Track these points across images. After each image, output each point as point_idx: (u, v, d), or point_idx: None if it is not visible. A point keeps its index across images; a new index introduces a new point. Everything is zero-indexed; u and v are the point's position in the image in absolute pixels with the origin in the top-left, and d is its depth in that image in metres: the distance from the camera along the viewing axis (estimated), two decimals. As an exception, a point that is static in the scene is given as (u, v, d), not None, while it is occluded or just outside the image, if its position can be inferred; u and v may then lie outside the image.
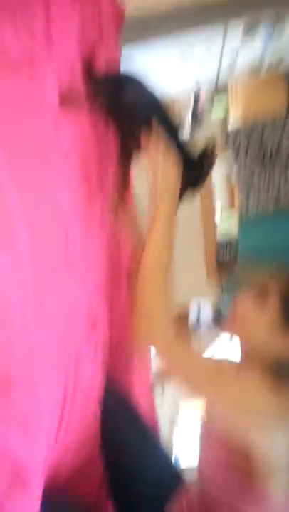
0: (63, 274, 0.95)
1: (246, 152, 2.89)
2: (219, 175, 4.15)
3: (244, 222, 2.85)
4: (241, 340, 1.00)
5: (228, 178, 4.62)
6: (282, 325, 0.91)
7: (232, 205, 4.52)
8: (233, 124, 4.23)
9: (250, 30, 2.87)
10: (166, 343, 0.91)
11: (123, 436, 1.15)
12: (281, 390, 0.81)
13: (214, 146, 1.09)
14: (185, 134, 4.28)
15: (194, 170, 1.06)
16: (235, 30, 2.85)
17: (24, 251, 0.78)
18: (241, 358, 1.00)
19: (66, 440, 0.90)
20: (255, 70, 3.38)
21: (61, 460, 0.89)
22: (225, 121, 4.45)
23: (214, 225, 3.04)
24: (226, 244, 4.83)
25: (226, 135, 2.95)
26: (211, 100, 4.41)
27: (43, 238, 0.86)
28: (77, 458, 0.97)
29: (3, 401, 0.65)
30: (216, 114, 4.33)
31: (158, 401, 2.22)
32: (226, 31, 2.83)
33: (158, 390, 3.31)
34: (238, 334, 1.00)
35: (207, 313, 5.34)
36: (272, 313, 0.93)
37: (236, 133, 2.94)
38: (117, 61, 1.85)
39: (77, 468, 0.97)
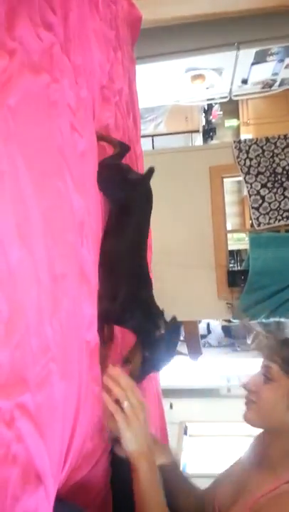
0: (76, 275, 0.94)
1: (257, 168, 2.88)
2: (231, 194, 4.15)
3: (255, 238, 2.83)
4: (264, 421, 0.95)
5: (240, 195, 4.63)
6: None
7: (243, 224, 4.52)
8: (245, 135, 4.25)
9: (262, 52, 2.89)
10: None
11: None
12: None
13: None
14: (200, 138, 4.30)
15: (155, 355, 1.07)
16: (248, 52, 2.88)
17: (40, 249, 0.77)
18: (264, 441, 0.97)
19: (80, 444, 0.88)
20: (267, 86, 3.38)
21: (74, 464, 0.87)
22: (238, 130, 4.50)
23: (226, 247, 3.02)
24: (236, 254, 4.82)
25: (238, 148, 2.94)
26: (224, 111, 4.46)
27: (57, 238, 0.86)
28: (89, 461, 0.95)
29: (17, 399, 0.64)
30: (229, 123, 4.38)
31: (167, 413, 2.21)
32: (238, 52, 2.87)
33: (167, 403, 3.31)
34: (258, 416, 0.95)
35: (217, 332, 5.39)
36: (283, 387, 0.90)
37: (247, 149, 2.92)
38: (132, 74, 1.87)
39: (88, 473, 0.94)
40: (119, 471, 1.11)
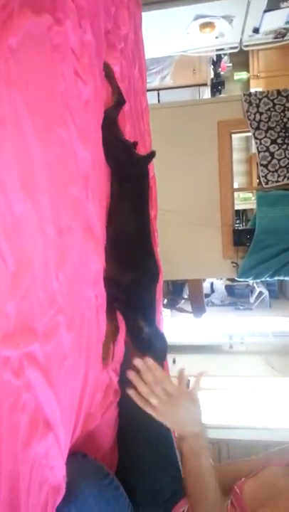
0: (82, 229, 0.93)
1: (268, 123, 2.78)
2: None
3: (262, 197, 2.77)
4: None
5: (248, 153, 4.51)
6: None
7: (250, 184, 4.44)
8: (255, 89, 4.07)
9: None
10: None
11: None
12: None
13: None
14: (207, 92, 4.14)
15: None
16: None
17: (44, 201, 0.76)
18: None
19: (91, 394, 0.91)
20: (280, 35, 3.20)
21: (87, 413, 0.90)
22: (247, 83, 4.32)
23: (232, 206, 2.97)
24: (242, 214, 4.77)
25: (248, 102, 2.82)
26: (233, 63, 4.27)
27: (61, 191, 0.84)
28: (100, 410, 0.98)
29: (25, 349, 0.64)
30: (238, 75, 4.20)
31: (170, 368, 2.26)
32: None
33: (170, 358, 3.40)
34: None
35: (220, 291, 5.43)
36: None
37: (258, 103, 2.81)
38: (138, 20, 1.77)
39: (99, 423, 0.98)
40: (124, 420, 1.16)
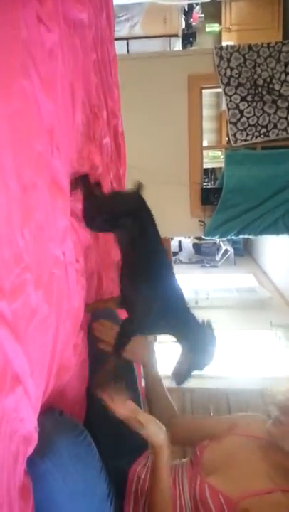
0: (48, 186, 0.91)
1: (238, 79, 2.73)
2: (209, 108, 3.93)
3: (231, 155, 2.77)
4: (280, 441, 0.97)
5: (218, 110, 4.44)
6: None
7: (220, 142, 4.40)
8: (226, 43, 3.96)
9: None
10: None
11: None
12: None
13: None
14: (178, 44, 4.00)
15: None
16: None
17: (6, 156, 0.73)
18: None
19: (62, 348, 0.93)
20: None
21: (59, 366, 0.93)
22: (219, 36, 4.19)
23: (201, 164, 2.96)
24: (210, 172, 4.77)
25: (220, 56, 2.75)
26: (205, 14, 4.11)
27: (24, 146, 0.81)
28: (72, 364, 1.01)
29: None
30: (210, 27, 4.06)
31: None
32: None
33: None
34: (278, 436, 0.99)
35: (188, 249, 5.51)
36: None
37: (229, 57, 2.73)
38: None
39: (69, 378, 1.01)
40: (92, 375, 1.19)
